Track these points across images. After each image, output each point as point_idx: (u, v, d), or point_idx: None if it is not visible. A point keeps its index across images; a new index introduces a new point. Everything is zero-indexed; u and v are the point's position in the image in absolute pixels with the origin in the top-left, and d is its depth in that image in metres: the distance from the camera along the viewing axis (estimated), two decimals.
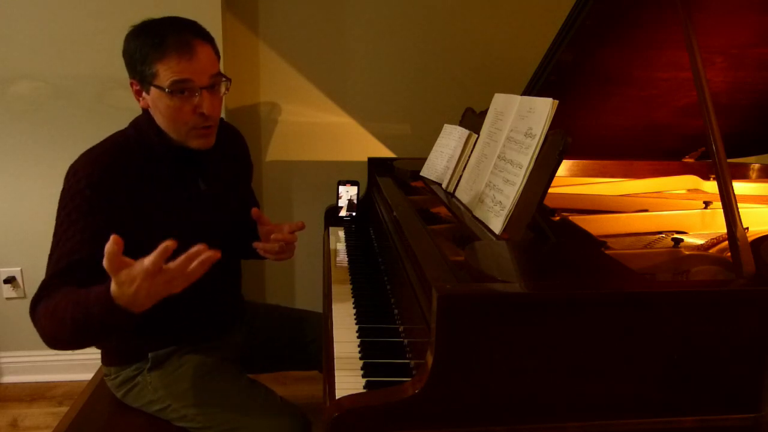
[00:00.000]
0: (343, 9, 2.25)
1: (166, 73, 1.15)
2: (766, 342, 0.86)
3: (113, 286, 0.98)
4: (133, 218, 1.18)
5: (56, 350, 1.12)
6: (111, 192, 1.16)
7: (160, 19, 1.19)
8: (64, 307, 1.05)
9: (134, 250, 1.07)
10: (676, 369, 0.85)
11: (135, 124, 1.29)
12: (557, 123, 1.08)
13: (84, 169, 1.16)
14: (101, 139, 1.26)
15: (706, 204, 1.50)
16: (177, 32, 1.16)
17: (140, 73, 1.18)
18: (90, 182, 1.15)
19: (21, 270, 2.14)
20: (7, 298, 2.15)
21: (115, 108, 2.04)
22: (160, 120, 1.23)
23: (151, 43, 1.15)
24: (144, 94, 1.22)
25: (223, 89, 1.25)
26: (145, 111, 1.26)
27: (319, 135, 2.35)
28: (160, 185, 1.25)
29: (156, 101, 1.20)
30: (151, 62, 1.15)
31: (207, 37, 1.21)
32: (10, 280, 2.13)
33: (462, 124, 1.65)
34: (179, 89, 1.16)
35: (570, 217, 1.32)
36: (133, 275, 0.95)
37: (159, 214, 1.23)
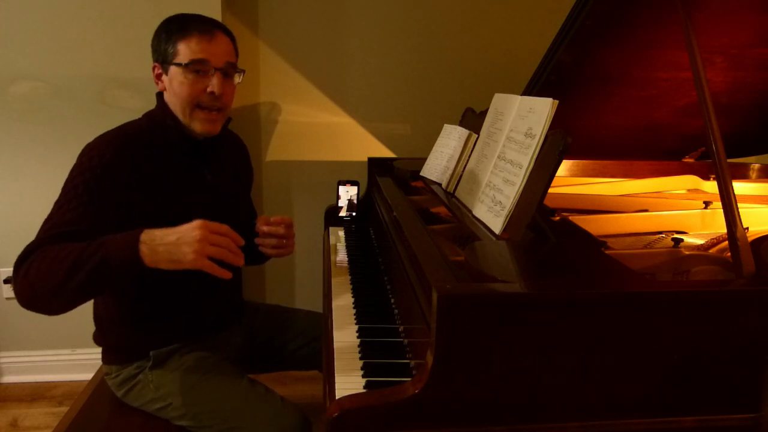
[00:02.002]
0: (343, 9, 2.25)
1: (186, 51, 1.25)
2: (766, 342, 0.86)
3: (155, 231, 1.06)
4: (139, 202, 1.21)
5: (31, 309, 1.10)
6: (121, 174, 1.20)
7: (190, 14, 1.31)
8: (70, 250, 1.06)
9: None
10: (676, 369, 0.85)
11: (148, 114, 1.35)
12: (557, 123, 1.08)
13: (99, 148, 1.21)
14: None
15: (706, 204, 1.50)
16: (202, 20, 1.29)
17: (163, 53, 1.27)
18: (103, 161, 1.18)
19: None
20: (7, 298, 2.15)
21: (115, 108, 2.04)
22: (172, 101, 1.29)
23: (177, 27, 1.27)
24: (163, 76, 1.30)
25: (236, 79, 1.33)
26: (160, 101, 1.32)
27: (319, 135, 2.35)
28: (168, 172, 1.28)
29: (172, 80, 1.27)
30: (174, 42, 1.26)
31: (228, 32, 1.33)
32: (10, 280, 2.13)
33: (462, 124, 1.65)
34: (195, 68, 1.25)
35: (570, 217, 1.32)
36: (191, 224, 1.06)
37: (165, 199, 1.26)
